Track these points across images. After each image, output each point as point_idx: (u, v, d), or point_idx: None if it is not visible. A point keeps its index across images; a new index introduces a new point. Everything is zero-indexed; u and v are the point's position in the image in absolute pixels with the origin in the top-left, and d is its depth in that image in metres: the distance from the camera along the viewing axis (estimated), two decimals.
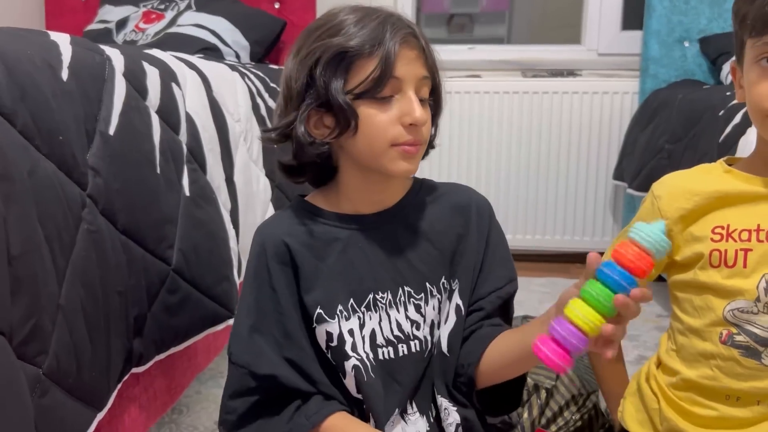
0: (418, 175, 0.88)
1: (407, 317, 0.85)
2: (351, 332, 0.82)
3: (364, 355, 0.82)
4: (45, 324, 0.76)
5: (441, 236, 0.87)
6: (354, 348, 0.82)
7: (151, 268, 1.01)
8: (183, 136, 1.19)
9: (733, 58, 0.86)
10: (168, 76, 1.19)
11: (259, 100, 1.69)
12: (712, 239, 0.83)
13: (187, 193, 1.14)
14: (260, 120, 1.64)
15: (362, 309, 0.83)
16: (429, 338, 0.86)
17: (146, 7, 2.35)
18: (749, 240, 0.81)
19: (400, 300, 0.84)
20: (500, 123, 2.55)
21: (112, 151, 0.94)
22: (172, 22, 2.25)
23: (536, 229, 2.61)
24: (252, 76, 1.75)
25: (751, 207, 0.82)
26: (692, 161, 1.57)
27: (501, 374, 0.84)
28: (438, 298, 0.86)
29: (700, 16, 2.35)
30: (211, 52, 2.12)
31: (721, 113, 1.63)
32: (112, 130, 0.95)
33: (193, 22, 2.22)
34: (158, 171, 1.06)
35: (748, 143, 1.33)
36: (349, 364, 0.82)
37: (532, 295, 2.16)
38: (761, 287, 0.80)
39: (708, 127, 1.70)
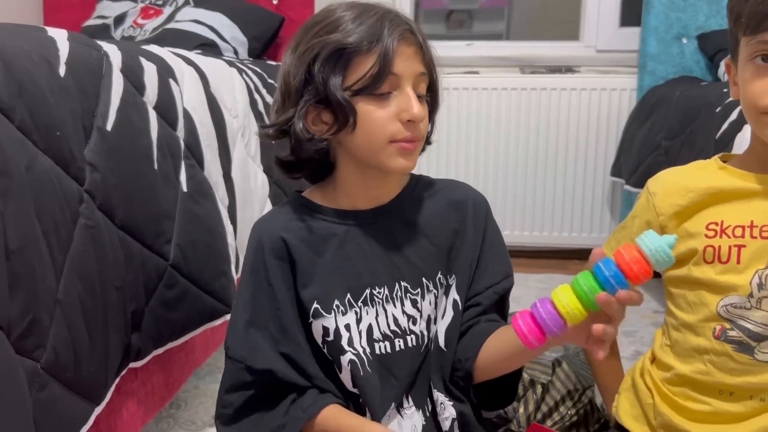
0: (416, 171, 0.88)
1: (404, 312, 0.85)
2: (348, 327, 0.83)
3: (360, 350, 0.83)
4: (43, 318, 0.76)
5: (437, 232, 0.87)
6: (350, 343, 0.83)
7: (148, 263, 1.01)
8: (180, 132, 1.19)
9: (728, 56, 0.86)
10: (165, 72, 1.19)
11: (257, 96, 1.69)
12: (706, 235, 0.83)
13: (185, 189, 1.14)
14: (258, 116, 1.64)
15: (359, 304, 0.84)
16: (425, 333, 0.86)
17: (144, 3, 2.34)
18: (743, 236, 0.81)
19: (396, 295, 0.85)
20: (498, 119, 2.55)
21: (109, 147, 0.94)
22: (170, 17, 2.25)
23: (534, 225, 2.61)
24: (250, 72, 1.75)
25: (745, 203, 0.83)
26: (689, 158, 1.56)
27: (497, 369, 0.85)
28: (434, 293, 0.87)
29: (698, 12, 2.36)
30: (209, 47, 2.12)
31: (718, 110, 1.63)
32: (109, 126, 0.96)
33: (191, 18, 2.22)
34: (156, 167, 1.06)
35: (744, 140, 1.33)
36: (345, 359, 0.82)
37: (530, 291, 2.17)
38: (754, 283, 0.80)
39: (705, 123, 1.70)
